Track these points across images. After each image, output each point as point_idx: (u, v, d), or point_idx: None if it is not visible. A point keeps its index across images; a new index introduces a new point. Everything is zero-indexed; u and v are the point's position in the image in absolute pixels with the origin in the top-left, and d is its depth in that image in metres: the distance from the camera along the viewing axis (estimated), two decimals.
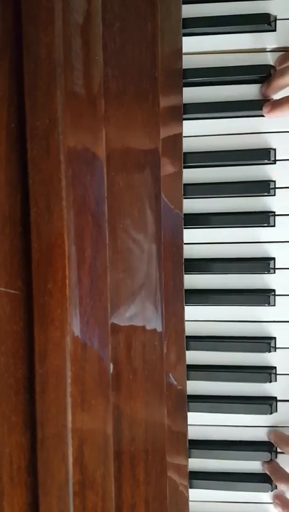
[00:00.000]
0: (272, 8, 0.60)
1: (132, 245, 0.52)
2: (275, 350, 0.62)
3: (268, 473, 0.61)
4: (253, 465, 0.62)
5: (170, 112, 0.57)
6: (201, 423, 0.63)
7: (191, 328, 0.62)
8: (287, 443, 0.59)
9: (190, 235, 0.62)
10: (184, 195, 0.59)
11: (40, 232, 0.45)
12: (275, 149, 0.61)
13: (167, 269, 0.56)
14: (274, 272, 0.61)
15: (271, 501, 0.62)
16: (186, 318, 0.60)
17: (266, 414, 0.61)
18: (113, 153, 0.50)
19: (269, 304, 0.61)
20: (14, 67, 0.46)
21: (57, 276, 0.45)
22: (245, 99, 0.61)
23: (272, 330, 0.62)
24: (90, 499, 0.48)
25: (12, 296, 0.46)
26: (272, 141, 0.61)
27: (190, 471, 0.61)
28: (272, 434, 0.61)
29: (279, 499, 0.60)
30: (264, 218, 0.61)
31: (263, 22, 0.60)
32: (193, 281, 0.62)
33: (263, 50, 0.61)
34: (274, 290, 0.62)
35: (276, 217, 0.61)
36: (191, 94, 0.61)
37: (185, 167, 0.60)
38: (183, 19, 0.59)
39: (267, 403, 0.61)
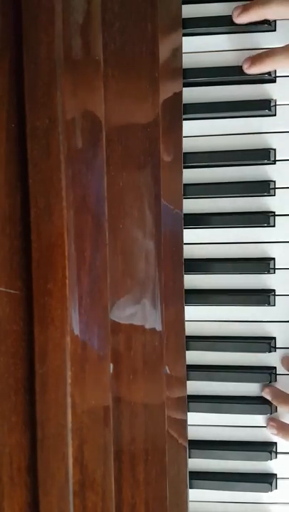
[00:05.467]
0: None
1: (132, 245, 0.52)
2: (275, 351, 0.62)
3: (268, 397, 0.61)
4: (253, 465, 0.62)
5: (170, 112, 0.57)
6: (201, 423, 0.63)
7: (191, 328, 0.62)
8: (283, 399, 0.60)
9: (190, 235, 0.62)
10: (184, 195, 0.59)
11: (40, 232, 0.45)
12: (275, 149, 0.61)
13: (167, 269, 0.56)
14: (274, 272, 0.61)
15: (271, 501, 0.62)
16: (186, 318, 0.60)
17: (266, 414, 0.61)
18: (113, 153, 0.50)
19: (269, 304, 0.61)
20: (14, 67, 0.46)
21: (57, 276, 0.45)
22: (245, 99, 0.61)
23: (272, 330, 0.62)
24: (90, 499, 0.48)
25: (12, 296, 0.46)
26: (272, 141, 0.61)
27: (190, 471, 0.61)
28: (266, 389, 0.61)
29: (274, 422, 0.61)
30: (264, 218, 0.61)
31: (263, 22, 0.59)
32: (193, 281, 0.62)
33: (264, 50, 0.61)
34: (274, 290, 0.62)
35: (276, 217, 0.61)
36: (191, 94, 0.61)
37: (185, 167, 0.60)
38: (183, 19, 0.59)
39: (267, 403, 0.61)
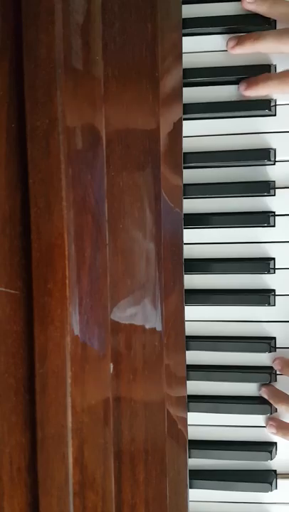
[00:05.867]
0: None
1: (132, 245, 0.52)
2: (275, 351, 0.62)
3: (266, 397, 0.61)
4: (253, 465, 0.62)
5: (170, 113, 0.57)
6: (200, 423, 0.63)
7: (191, 328, 0.62)
8: (280, 398, 0.60)
9: (190, 235, 0.62)
10: (184, 195, 0.59)
11: (40, 232, 0.45)
12: (275, 149, 0.61)
13: (167, 269, 0.56)
14: (274, 272, 0.61)
15: (271, 501, 0.62)
16: (186, 318, 0.60)
17: (266, 414, 0.61)
18: (113, 153, 0.50)
19: (269, 304, 0.61)
20: (14, 67, 0.46)
21: (57, 276, 0.45)
22: (245, 99, 0.61)
23: (272, 330, 0.62)
24: (90, 499, 0.48)
25: (12, 296, 0.46)
26: (272, 141, 0.61)
27: (190, 471, 0.61)
28: (264, 388, 0.61)
29: (274, 421, 0.61)
30: (264, 218, 0.61)
31: (263, 23, 0.60)
32: (193, 281, 0.62)
33: None
34: (274, 290, 0.62)
35: (276, 217, 0.61)
36: (191, 94, 0.61)
37: (185, 167, 0.60)
38: (183, 19, 0.59)
39: (266, 403, 0.61)
